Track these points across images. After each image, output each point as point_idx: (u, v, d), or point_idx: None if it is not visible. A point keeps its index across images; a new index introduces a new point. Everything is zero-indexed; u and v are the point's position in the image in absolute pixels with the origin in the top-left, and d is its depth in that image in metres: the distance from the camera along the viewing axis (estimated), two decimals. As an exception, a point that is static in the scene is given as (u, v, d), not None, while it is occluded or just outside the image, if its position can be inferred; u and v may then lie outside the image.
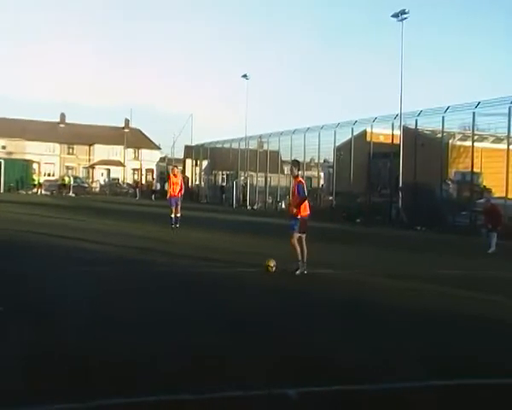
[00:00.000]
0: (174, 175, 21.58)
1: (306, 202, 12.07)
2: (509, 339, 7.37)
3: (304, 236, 11.85)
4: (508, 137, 26.51)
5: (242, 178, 49.80)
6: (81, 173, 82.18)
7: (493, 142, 34.26)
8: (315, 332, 7.23)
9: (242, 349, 6.30)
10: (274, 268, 11.46)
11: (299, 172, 12.61)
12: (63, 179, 61.31)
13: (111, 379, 5.11)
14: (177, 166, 25.02)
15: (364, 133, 38.23)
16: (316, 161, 44.62)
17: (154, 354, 5.91)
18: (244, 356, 6.05)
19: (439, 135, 31.54)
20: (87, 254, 13.36)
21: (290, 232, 11.81)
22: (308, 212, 12.09)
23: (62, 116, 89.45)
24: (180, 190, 20.92)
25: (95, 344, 6.13)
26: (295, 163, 13.03)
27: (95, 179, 79.87)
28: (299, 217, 11.76)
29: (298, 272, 11.42)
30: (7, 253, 13.21)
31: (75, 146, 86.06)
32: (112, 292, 9.22)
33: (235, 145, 50.54)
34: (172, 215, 20.21)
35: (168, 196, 21.14)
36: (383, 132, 36.82)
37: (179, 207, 20.53)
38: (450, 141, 34.16)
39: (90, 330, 6.76)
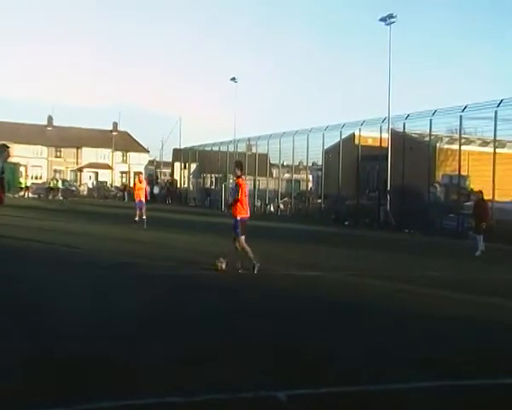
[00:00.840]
0: (139, 181, 24.10)
1: (246, 204, 12.06)
2: (496, 340, 7.42)
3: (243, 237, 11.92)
4: (494, 140, 26.71)
5: (231, 181, 49.78)
6: (69, 176, 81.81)
7: (480, 145, 34.51)
8: (301, 334, 7.25)
9: (232, 351, 6.31)
10: (224, 266, 11.59)
11: (241, 173, 12.59)
12: (51, 183, 60.89)
13: (97, 382, 5.10)
14: (142, 174, 28.12)
15: (353, 136, 38.37)
16: (304, 163, 44.75)
17: (141, 357, 5.91)
18: (235, 358, 6.05)
19: (427, 138, 31.71)
20: (74, 257, 13.32)
21: (236, 237, 11.83)
22: (248, 214, 12.12)
23: (50, 119, 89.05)
24: (145, 195, 23.49)
25: (78, 347, 6.11)
26: (238, 164, 13.10)
27: (83, 182, 79.48)
28: (238, 218, 11.77)
29: (256, 271, 11.52)
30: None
31: (63, 149, 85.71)
32: (97, 295, 9.19)
33: (223, 148, 50.50)
34: (137, 218, 22.10)
35: (136, 200, 23.24)
36: (371, 135, 36.99)
37: (144, 210, 22.41)
38: (438, 144, 34.37)
39: (72, 332, 6.74)
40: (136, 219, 22.04)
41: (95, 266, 12.11)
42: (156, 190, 62.77)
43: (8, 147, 15.20)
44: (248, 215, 12.17)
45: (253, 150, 47.61)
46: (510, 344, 7.28)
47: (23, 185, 59.25)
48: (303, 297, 9.89)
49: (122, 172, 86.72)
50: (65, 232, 19.32)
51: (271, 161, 47.22)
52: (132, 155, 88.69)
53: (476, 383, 5.65)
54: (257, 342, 6.76)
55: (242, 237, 11.78)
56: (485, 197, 20.26)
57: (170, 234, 20.84)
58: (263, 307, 9.03)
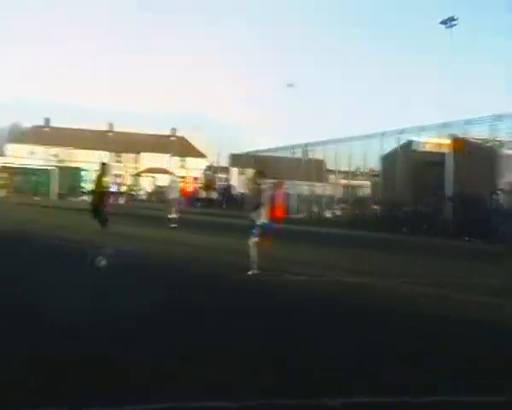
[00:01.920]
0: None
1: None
2: None
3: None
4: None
5: (285, 186, 49.65)
6: (129, 181, 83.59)
7: (545, 151, 33.21)
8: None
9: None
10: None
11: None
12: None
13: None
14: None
15: (411, 142, 37.74)
16: (361, 169, 44.25)
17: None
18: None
19: (489, 144, 30.77)
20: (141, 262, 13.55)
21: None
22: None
23: (111, 125, 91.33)
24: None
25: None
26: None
27: (141, 187, 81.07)
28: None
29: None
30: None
31: (123, 154, 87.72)
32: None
33: (279, 154, 50.47)
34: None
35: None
36: (430, 141, 36.22)
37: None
38: (501, 150, 33.25)
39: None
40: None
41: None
42: (214, 194, 63.52)
43: (104, 164, 16.53)
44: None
45: (309, 156, 47.41)
46: None
47: (85, 190, 60.99)
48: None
49: (180, 177, 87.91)
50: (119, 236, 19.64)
51: (328, 167, 46.92)
52: (190, 161, 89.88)
53: None
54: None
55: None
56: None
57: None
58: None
